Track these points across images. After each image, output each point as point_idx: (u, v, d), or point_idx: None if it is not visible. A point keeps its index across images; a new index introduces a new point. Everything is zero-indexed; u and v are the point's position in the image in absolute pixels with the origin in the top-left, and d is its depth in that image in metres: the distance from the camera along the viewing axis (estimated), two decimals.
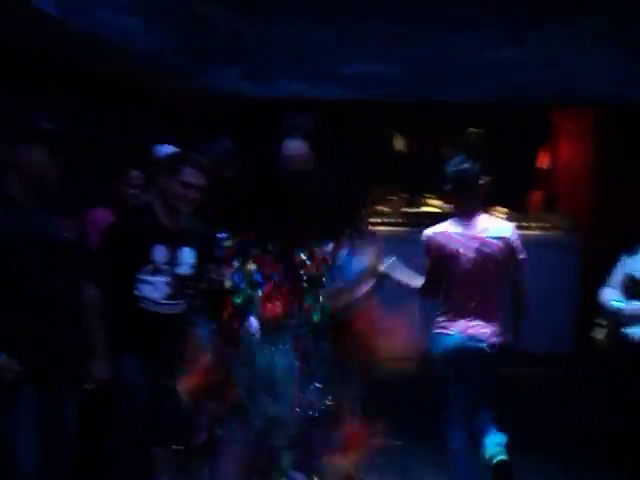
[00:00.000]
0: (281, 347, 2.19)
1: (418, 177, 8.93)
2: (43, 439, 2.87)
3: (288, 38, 6.81)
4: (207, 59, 6.63)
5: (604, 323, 3.44)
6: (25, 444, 2.80)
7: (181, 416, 3.80)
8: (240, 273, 2.36)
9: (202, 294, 4.57)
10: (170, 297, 3.53)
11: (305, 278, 2.21)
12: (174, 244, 3.53)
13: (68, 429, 3.00)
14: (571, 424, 5.00)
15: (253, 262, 2.37)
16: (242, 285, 2.35)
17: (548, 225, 7.89)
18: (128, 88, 5.23)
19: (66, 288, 2.99)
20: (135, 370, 3.47)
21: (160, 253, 3.51)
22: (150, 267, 3.48)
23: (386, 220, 8.26)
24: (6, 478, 2.77)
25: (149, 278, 3.48)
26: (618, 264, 3.42)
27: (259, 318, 2.20)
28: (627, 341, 3.18)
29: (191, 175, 3.55)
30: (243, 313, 2.33)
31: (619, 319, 3.26)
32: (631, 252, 3.39)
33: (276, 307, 2.16)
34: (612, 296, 3.32)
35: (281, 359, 2.23)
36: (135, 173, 4.51)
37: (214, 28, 6.56)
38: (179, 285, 3.54)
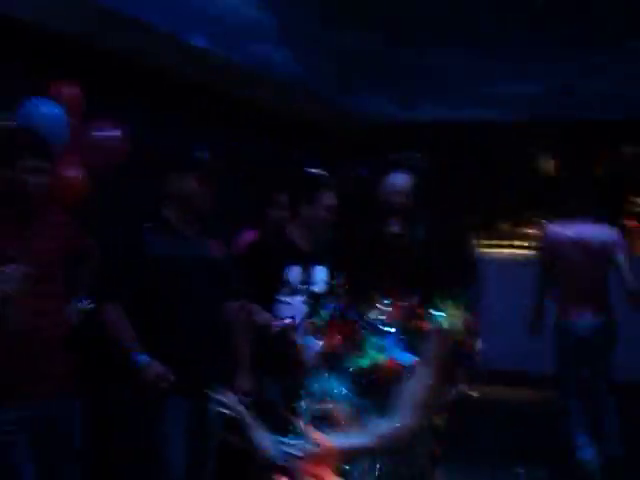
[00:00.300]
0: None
1: (568, 200, 8.66)
2: (191, 446, 3.04)
3: (433, 63, 6.88)
4: (355, 86, 6.80)
5: None
6: (175, 449, 2.98)
7: None
8: None
9: None
10: (308, 316, 3.61)
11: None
12: (308, 264, 3.65)
13: (213, 437, 3.15)
14: None
15: None
16: None
17: None
18: (280, 117, 5.44)
19: (217, 305, 3.18)
20: (274, 390, 3.58)
21: (294, 273, 3.63)
22: (287, 288, 3.61)
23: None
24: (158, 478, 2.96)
25: (286, 299, 3.61)
26: None
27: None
28: None
29: (329, 199, 3.65)
30: None
31: None
32: None
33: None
34: None
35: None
36: (284, 197, 4.66)
37: (358, 55, 6.73)
38: (315, 303, 3.62)
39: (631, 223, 7.48)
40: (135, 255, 2.98)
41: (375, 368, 1.88)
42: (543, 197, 8.80)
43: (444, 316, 1.86)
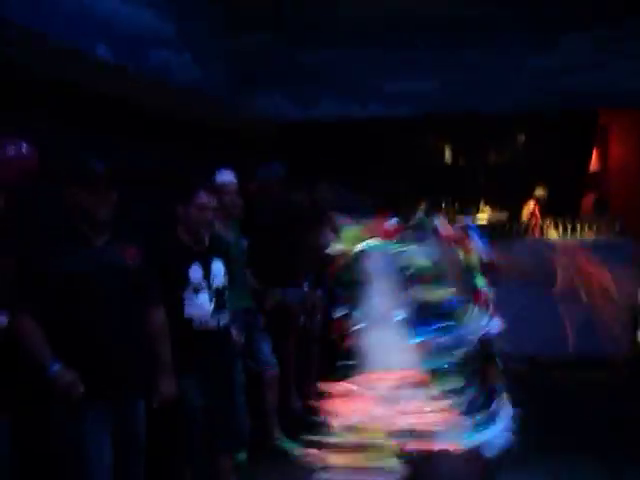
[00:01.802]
0: None
1: (468, 187, 9.08)
2: (116, 450, 3.10)
3: (331, 62, 7.05)
4: (253, 86, 6.90)
5: None
6: (97, 457, 3.03)
7: (239, 426, 4.06)
8: None
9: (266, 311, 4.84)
10: (214, 310, 3.77)
11: None
12: (205, 261, 3.79)
13: (139, 440, 3.23)
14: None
15: None
16: None
17: (600, 228, 7.87)
18: (178, 121, 5.48)
19: (133, 311, 3.23)
20: (193, 389, 3.68)
21: (195, 272, 3.74)
22: (190, 287, 3.72)
23: None
24: None
25: (192, 298, 3.73)
26: None
27: None
28: None
29: (204, 198, 3.80)
30: None
31: None
32: None
33: None
34: None
35: None
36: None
37: (255, 56, 6.85)
38: (219, 297, 3.78)
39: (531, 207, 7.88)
40: (47, 267, 3.02)
41: None
42: (442, 187, 9.17)
43: None
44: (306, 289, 5.48)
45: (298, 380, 5.92)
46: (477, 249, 2.55)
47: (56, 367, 2.94)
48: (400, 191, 4.15)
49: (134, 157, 4.56)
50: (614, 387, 6.13)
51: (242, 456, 4.47)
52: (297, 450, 4.98)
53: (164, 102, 5.21)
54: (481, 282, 2.53)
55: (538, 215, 8.00)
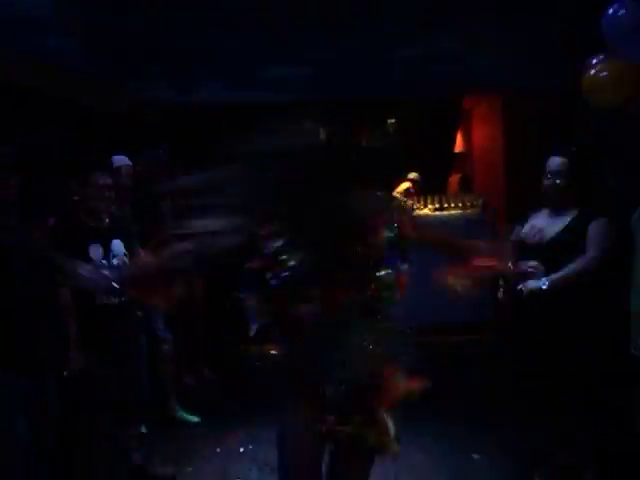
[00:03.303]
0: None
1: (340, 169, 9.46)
2: (31, 421, 3.24)
3: (206, 47, 7.20)
4: (133, 71, 6.97)
5: (501, 283, 3.98)
6: (17, 429, 3.16)
7: (145, 398, 4.25)
8: None
9: None
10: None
11: None
12: (104, 240, 3.97)
13: (52, 411, 3.38)
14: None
15: None
16: None
17: (465, 205, 8.49)
18: (65, 104, 5.54)
19: (43, 290, 3.38)
20: (98, 363, 3.85)
21: (95, 250, 3.92)
22: (90, 265, 3.89)
23: None
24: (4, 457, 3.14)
25: None
26: (513, 232, 3.94)
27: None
28: (519, 295, 3.69)
29: (101, 178, 4.00)
30: None
31: (511, 277, 3.77)
32: (522, 221, 3.93)
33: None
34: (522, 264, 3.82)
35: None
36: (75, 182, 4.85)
37: (138, 40, 6.91)
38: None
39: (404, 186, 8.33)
40: None
41: None
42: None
43: None
44: None
45: (187, 354, 6.15)
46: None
47: None
48: None
49: (26, 140, 4.60)
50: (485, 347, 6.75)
51: (142, 428, 4.65)
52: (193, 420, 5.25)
53: (53, 86, 5.26)
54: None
55: (413, 194, 8.47)
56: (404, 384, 2.40)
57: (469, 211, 8.39)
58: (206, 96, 7.79)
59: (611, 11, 3.59)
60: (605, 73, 3.60)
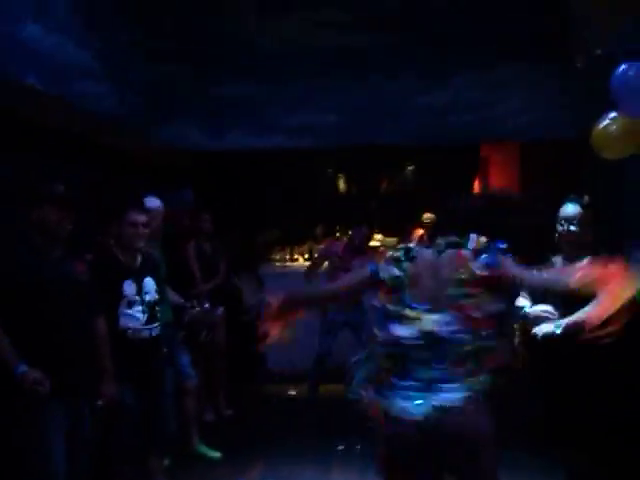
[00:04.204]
0: None
1: (360, 215, 9.69)
2: (67, 447, 3.40)
3: (236, 95, 7.49)
4: (165, 117, 7.26)
5: (516, 327, 4.10)
6: (57, 449, 3.33)
7: (168, 431, 4.40)
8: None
9: (183, 325, 5.21)
10: (147, 322, 4.13)
11: None
12: (138, 277, 4.17)
13: (87, 438, 3.54)
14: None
15: None
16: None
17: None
18: (96, 148, 5.78)
19: (82, 320, 3.58)
20: (128, 394, 4.01)
21: (129, 287, 4.11)
22: (125, 301, 4.08)
23: None
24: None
25: (127, 311, 4.08)
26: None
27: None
28: (535, 339, 3.80)
29: (137, 215, 4.20)
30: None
31: (527, 322, 3.88)
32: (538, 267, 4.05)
33: None
34: (522, 302, 3.95)
35: None
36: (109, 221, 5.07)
37: (169, 87, 7.23)
38: (151, 310, 4.15)
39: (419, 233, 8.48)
40: (9, 277, 3.32)
41: None
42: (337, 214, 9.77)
43: None
44: (207, 306, 5.86)
45: (207, 392, 6.30)
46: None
47: (23, 367, 3.25)
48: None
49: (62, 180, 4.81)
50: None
51: (165, 461, 4.78)
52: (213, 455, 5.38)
53: (84, 129, 5.50)
54: None
55: (426, 240, 8.62)
56: None
57: None
58: (229, 143, 8.04)
59: (620, 71, 3.80)
60: (614, 127, 3.79)
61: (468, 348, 2.75)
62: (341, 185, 10.25)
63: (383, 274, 2.92)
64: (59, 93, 5.20)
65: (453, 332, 2.76)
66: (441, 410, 2.67)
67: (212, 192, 7.62)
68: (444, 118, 7.65)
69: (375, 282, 2.93)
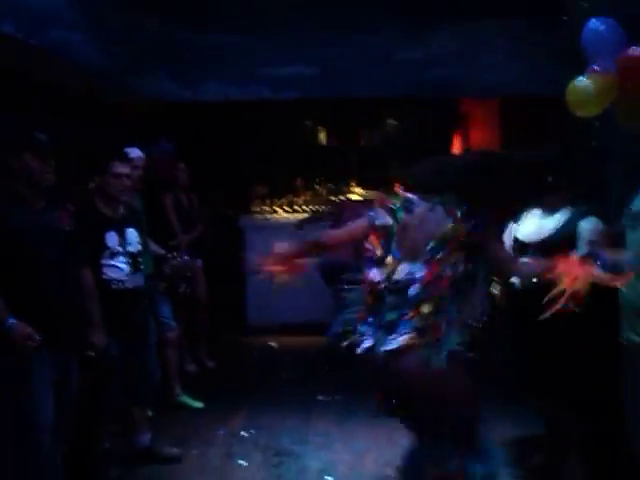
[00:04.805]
0: None
1: (340, 167, 9.69)
2: (55, 399, 3.39)
3: (213, 43, 7.39)
4: (138, 65, 7.14)
5: (496, 279, 4.16)
6: (46, 402, 3.33)
7: (152, 382, 4.43)
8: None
9: (164, 276, 5.22)
10: (130, 273, 4.13)
11: None
12: (120, 228, 4.16)
13: (72, 389, 3.55)
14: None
15: None
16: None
17: None
18: (70, 96, 5.70)
19: (69, 270, 3.55)
20: (113, 346, 4.02)
21: (112, 238, 4.10)
22: (107, 252, 4.08)
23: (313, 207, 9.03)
24: (29, 433, 3.30)
25: (110, 262, 4.08)
26: (506, 231, 4.11)
27: None
28: (513, 289, 3.88)
29: (119, 167, 4.18)
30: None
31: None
32: (516, 220, 4.11)
33: None
34: None
35: None
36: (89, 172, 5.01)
37: (143, 35, 7.09)
38: (134, 261, 4.14)
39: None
40: None
41: None
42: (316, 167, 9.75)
43: None
44: (186, 258, 5.86)
45: (189, 344, 6.35)
46: None
47: (11, 321, 3.23)
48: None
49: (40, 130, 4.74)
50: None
51: (149, 411, 4.82)
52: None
53: (63, 79, 5.42)
54: None
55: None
56: None
57: None
58: (209, 93, 7.95)
59: (590, 26, 3.84)
60: (586, 85, 3.84)
61: (428, 301, 2.89)
62: (321, 138, 10.18)
63: (378, 221, 3.07)
64: (36, 42, 5.10)
65: (416, 284, 2.89)
66: (390, 351, 2.88)
67: (192, 144, 7.55)
68: (425, 72, 7.62)
69: (372, 228, 3.09)
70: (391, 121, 10.05)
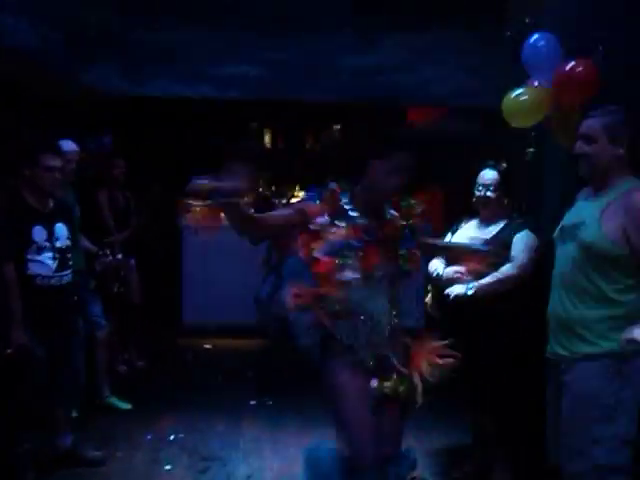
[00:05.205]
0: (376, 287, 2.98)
1: (284, 170, 9.67)
2: None
3: (161, 40, 7.27)
4: (85, 59, 6.99)
5: (429, 289, 4.17)
6: None
7: (77, 382, 4.30)
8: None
9: (95, 273, 5.09)
10: (57, 269, 4.01)
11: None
12: (48, 223, 4.03)
13: None
14: None
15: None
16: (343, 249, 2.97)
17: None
18: (13, 86, 5.54)
19: None
20: (36, 343, 3.89)
21: (39, 233, 3.97)
22: (34, 247, 3.95)
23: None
24: None
25: (36, 257, 3.95)
26: (445, 237, 4.13)
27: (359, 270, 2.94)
28: (446, 300, 3.89)
29: (51, 159, 4.05)
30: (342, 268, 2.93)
31: (441, 283, 3.97)
32: (452, 229, 4.14)
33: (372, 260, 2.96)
34: (436, 264, 4.03)
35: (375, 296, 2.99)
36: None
37: (91, 28, 6.94)
38: (62, 257, 4.02)
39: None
40: None
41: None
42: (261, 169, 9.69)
43: None
44: (119, 256, 5.74)
45: (119, 343, 6.22)
46: None
47: None
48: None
49: None
50: None
51: (74, 412, 4.68)
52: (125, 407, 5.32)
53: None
54: None
55: None
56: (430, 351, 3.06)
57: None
58: (156, 89, 7.83)
59: (530, 40, 3.93)
60: (522, 97, 3.92)
61: None
62: (266, 139, 10.14)
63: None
64: None
65: None
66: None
67: (134, 140, 7.42)
68: (370, 79, 7.63)
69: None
70: (337, 126, 10.07)
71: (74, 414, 4.57)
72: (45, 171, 4.01)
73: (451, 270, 3.89)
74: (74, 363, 4.22)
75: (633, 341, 2.79)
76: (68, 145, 4.74)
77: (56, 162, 4.08)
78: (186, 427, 5.00)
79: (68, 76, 6.75)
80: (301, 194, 9.55)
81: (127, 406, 5.36)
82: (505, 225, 3.95)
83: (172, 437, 4.84)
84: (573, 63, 3.69)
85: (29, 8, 5.68)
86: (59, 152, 4.21)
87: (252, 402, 5.54)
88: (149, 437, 4.84)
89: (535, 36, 3.94)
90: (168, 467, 4.38)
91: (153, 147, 8.54)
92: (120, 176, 6.18)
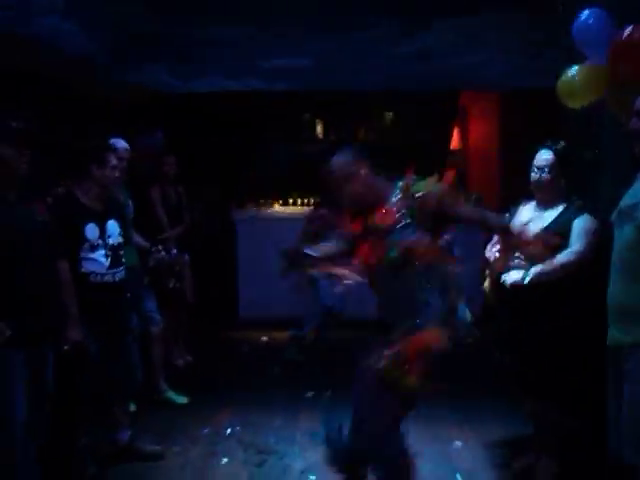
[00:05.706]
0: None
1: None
2: (29, 393, 3.33)
3: (208, 36, 7.27)
4: (134, 58, 7.03)
5: (487, 273, 4.05)
6: (18, 399, 3.26)
7: (133, 378, 4.33)
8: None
9: (149, 269, 5.13)
10: (110, 266, 4.04)
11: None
12: (102, 220, 4.07)
13: (48, 385, 3.48)
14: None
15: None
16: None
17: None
18: (66, 88, 5.61)
19: (45, 263, 3.48)
20: (92, 340, 3.93)
21: (91, 230, 4.01)
22: (87, 245, 3.98)
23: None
24: (1, 430, 3.25)
25: (89, 255, 3.98)
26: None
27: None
28: (502, 286, 3.78)
29: (114, 158, 4.15)
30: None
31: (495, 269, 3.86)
32: (510, 213, 4.00)
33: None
34: (492, 249, 3.91)
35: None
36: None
37: (140, 28, 6.98)
38: (115, 254, 4.05)
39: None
40: None
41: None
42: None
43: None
44: (174, 252, 5.77)
45: (174, 338, 6.26)
46: None
47: None
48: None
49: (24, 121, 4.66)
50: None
51: (132, 407, 4.74)
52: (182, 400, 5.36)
53: (51, 69, 5.32)
54: None
55: None
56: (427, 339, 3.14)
57: None
58: (205, 85, 7.85)
59: (580, 19, 3.77)
60: (576, 76, 3.77)
61: None
62: (318, 130, 10.08)
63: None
64: (24, 31, 5.00)
65: None
66: None
67: (186, 137, 7.46)
68: (423, 64, 7.50)
69: None
70: (390, 114, 9.94)
71: (132, 409, 4.63)
72: (112, 170, 4.06)
73: (494, 251, 3.80)
74: (129, 359, 4.25)
75: None
76: (119, 143, 4.78)
77: (112, 160, 4.13)
78: (242, 421, 5.01)
79: (118, 76, 6.80)
80: None
81: (184, 400, 5.40)
82: (564, 209, 3.81)
83: (229, 431, 4.85)
84: (630, 29, 3.50)
85: (77, 11, 5.71)
86: (113, 150, 4.26)
87: (309, 394, 5.51)
88: (206, 431, 4.86)
89: (586, 12, 3.78)
90: (225, 461, 4.40)
91: (206, 143, 8.58)
92: (171, 172, 6.23)
